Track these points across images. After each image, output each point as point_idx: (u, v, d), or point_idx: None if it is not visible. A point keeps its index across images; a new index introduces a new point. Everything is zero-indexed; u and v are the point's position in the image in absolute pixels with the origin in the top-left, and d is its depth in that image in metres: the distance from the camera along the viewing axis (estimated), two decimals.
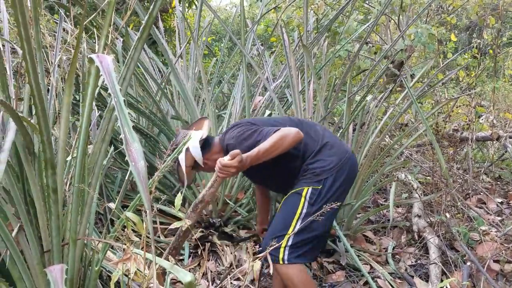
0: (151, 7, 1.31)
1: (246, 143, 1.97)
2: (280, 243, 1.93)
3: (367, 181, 3.13)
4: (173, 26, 5.93)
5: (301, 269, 1.97)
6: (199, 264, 2.79)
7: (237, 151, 1.83)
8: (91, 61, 1.07)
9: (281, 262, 1.95)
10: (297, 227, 1.95)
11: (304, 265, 2.01)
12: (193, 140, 2.08)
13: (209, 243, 2.97)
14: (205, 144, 2.15)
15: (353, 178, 2.13)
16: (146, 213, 0.92)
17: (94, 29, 2.59)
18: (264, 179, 2.30)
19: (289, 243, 1.95)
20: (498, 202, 3.51)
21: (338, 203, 1.98)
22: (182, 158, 2.03)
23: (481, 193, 3.59)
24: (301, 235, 1.95)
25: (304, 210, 1.97)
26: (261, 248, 2.03)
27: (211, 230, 3.05)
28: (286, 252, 1.95)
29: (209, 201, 2.04)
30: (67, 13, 2.82)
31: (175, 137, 2.24)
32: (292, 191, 2.04)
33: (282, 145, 1.88)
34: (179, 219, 1.69)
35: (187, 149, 2.06)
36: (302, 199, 1.98)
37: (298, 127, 2.01)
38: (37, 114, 1.19)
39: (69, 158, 1.49)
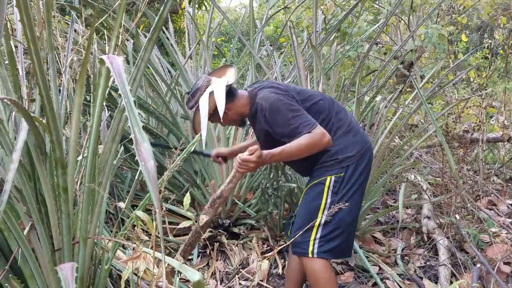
0: (161, 9, 1.32)
1: (278, 116, 1.87)
2: (309, 236, 1.90)
3: (376, 182, 3.12)
4: (183, 27, 5.96)
5: (327, 265, 1.94)
6: (207, 264, 2.81)
7: (255, 146, 1.82)
8: (101, 62, 1.09)
9: (310, 255, 1.91)
10: (324, 217, 1.91)
11: (330, 263, 1.98)
12: (218, 85, 1.95)
13: (218, 243, 2.99)
14: (229, 92, 2.00)
15: (370, 169, 2.09)
16: (155, 212, 0.93)
17: (105, 31, 2.62)
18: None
19: (318, 235, 1.91)
20: (509, 204, 3.47)
21: (360, 192, 1.99)
22: (204, 102, 1.90)
23: (492, 195, 3.56)
24: (328, 226, 1.91)
25: (329, 200, 1.93)
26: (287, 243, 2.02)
27: (220, 230, 3.07)
28: (316, 245, 1.91)
29: (227, 196, 2.01)
30: (78, 15, 2.85)
31: (195, 82, 2.10)
32: (315, 181, 1.99)
33: (309, 152, 1.85)
34: (188, 218, 1.70)
35: (211, 93, 1.93)
36: (326, 189, 1.94)
37: (330, 106, 2.00)
38: (46, 114, 1.20)
39: (79, 158, 1.51)
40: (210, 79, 2.03)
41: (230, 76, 2.09)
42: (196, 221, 1.68)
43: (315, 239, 1.91)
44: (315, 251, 1.91)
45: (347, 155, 1.95)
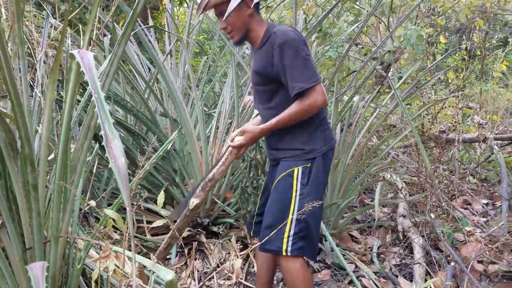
0: (136, 3, 1.31)
1: (288, 53, 1.78)
2: (282, 233, 1.88)
3: (354, 181, 3.15)
4: (163, 23, 5.91)
5: (303, 264, 1.92)
6: (186, 263, 2.79)
7: (247, 129, 1.85)
8: (72, 56, 1.07)
9: (284, 253, 1.88)
10: (296, 213, 1.88)
11: (305, 261, 1.98)
12: None
13: (196, 242, 2.98)
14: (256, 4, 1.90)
15: (329, 168, 2.06)
16: (135, 210, 0.92)
17: (82, 26, 2.58)
18: (262, 104, 2.05)
19: (292, 232, 1.89)
20: (484, 203, 3.55)
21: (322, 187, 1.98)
22: None
23: (467, 194, 3.63)
24: (301, 222, 1.88)
25: (299, 192, 1.91)
26: (259, 242, 1.96)
27: (199, 229, 3.05)
28: (290, 243, 1.88)
29: (219, 179, 2.01)
30: (54, 10, 2.80)
31: None
32: (283, 174, 1.96)
33: (301, 118, 1.84)
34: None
35: None
36: (294, 181, 1.92)
37: None
38: (13, 110, 1.18)
39: (51, 157, 1.48)
40: None
41: None
42: (168, 220, 1.66)
43: (289, 236, 1.88)
44: (289, 248, 1.88)
45: (314, 147, 1.94)
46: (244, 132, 1.90)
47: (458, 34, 10.15)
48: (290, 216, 1.89)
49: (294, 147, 1.96)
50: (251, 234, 2.24)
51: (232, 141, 1.95)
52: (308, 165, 1.93)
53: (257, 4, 1.91)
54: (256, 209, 2.24)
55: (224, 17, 1.81)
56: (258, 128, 1.89)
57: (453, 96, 4.22)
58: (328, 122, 2.05)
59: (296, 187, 1.92)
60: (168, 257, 2.81)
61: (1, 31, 1.05)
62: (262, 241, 1.85)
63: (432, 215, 2.92)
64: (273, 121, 1.87)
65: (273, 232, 1.79)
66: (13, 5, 1.22)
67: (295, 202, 1.91)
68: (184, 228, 2.12)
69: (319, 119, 1.96)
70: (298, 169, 1.93)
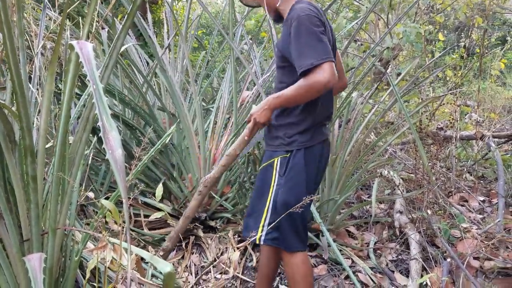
0: None
1: (300, 29, 1.73)
2: (258, 221, 1.89)
3: (351, 177, 3.16)
4: (162, 18, 5.90)
5: (305, 260, 1.92)
6: (183, 257, 2.80)
7: (253, 112, 1.86)
8: (71, 47, 1.07)
9: (258, 241, 1.90)
10: (271, 202, 1.89)
11: (307, 257, 1.96)
12: None
13: (193, 237, 2.98)
14: None
15: (324, 165, 2.02)
16: (131, 204, 0.92)
17: (80, 19, 2.57)
18: (276, 82, 2.02)
19: (266, 221, 1.90)
20: (480, 201, 3.56)
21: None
22: None
23: (464, 191, 3.64)
24: (276, 212, 1.88)
25: (276, 182, 1.90)
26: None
27: (196, 224, 3.06)
28: (264, 232, 1.89)
29: (238, 155, 2.04)
30: (52, 1, 2.79)
31: None
32: (265, 164, 1.97)
33: (308, 94, 1.74)
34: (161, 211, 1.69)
35: None
36: (274, 171, 1.92)
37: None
38: (16, 100, 1.18)
39: (48, 145, 1.48)
40: None
41: None
42: (170, 215, 1.67)
43: (263, 225, 1.90)
44: (262, 238, 1.89)
45: (297, 139, 1.89)
46: (249, 120, 1.93)
47: (457, 32, 10.16)
48: (266, 206, 1.91)
49: (277, 137, 1.94)
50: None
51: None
52: (287, 155, 1.90)
53: None
54: None
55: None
56: (268, 102, 1.84)
57: (451, 94, 4.23)
58: (326, 118, 1.99)
59: (274, 177, 1.92)
60: None
61: (10, 23, 1.05)
62: (244, 229, 1.87)
63: (429, 212, 2.94)
64: (279, 93, 1.81)
65: (251, 219, 1.80)
66: None
67: (272, 192, 1.91)
68: (193, 214, 2.14)
69: (316, 116, 1.92)
70: (278, 159, 1.92)
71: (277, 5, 1.92)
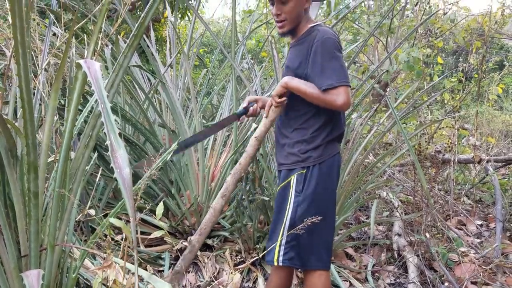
0: (143, 14, 1.32)
1: (324, 51, 1.79)
2: (275, 242, 1.87)
3: (350, 198, 3.16)
4: (164, 36, 5.96)
5: (326, 280, 1.90)
6: None
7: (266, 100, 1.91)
8: (78, 66, 1.08)
9: (275, 263, 1.87)
10: (288, 221, 1.87)
11: (329, 277, 1.94)
12: None
13: None
14: None
15: (333, 177, 2.00)
16: (129, 221, 0.92)
17: (85, 35, 2.60)
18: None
19: (283, 241, 1.87)
20: (478, 224, 3.56)
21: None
22: None
23: (461, 215, 3.64)
24: (292, 232, 1.84)
25: (293, 200, 1.89)
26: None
27: None
28: (281, 252, 1.86)
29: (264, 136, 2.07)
30: (57, 19, 2.82)
31: None
32: (282, 183, 1.96)
33: (318, 103, 1.83)
34: (161, 229, 1.68)
35: None
36: (291, 189, 1.91)
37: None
38: (24, 117, 1.19)
39: (50, 159, 1.48)
40: None
41: None
42: (167, 232, 1.66)
43: (280, 245, 1.87)
44: (280, 258, 1.86)
45: (311, 155, 1.90)
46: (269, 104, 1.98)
47: (455, 56, 10.29)
48: (282, 225, 1.88)
49: (292, 155, 1.95)
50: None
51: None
52: (304, 172, 1.90)
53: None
54: None
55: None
56: (292, 84, 1.88)
57: (449, 117, 4.26)
58: (337, 137, 2.00)
59: (291, 195, 1.90)
60: (161, 269, 2.79)
61: (25, 41, 1.06)
62: (266, 253, 1.86)
63: (427, 235, 2.93)
64: (298, 82, 1.85)
65: (271, 242, 1.79)
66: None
67: (288, 210, 1.89)
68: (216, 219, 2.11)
69: (327, 129, 1.93)
70: (294, 176, 1.92)
71: (301, 19, 1.93)
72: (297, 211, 1.87)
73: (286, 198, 1.92)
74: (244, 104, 2.15)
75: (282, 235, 1.88)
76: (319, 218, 1.75)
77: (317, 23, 1.93)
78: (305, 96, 1.85)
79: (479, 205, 4.15)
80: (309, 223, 1.75)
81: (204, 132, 2.35)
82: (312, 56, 1.81)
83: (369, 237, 3.35)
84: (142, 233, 3.02)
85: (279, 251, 1.88)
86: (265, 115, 2.00)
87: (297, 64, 1.89)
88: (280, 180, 2.01)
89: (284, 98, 1.94)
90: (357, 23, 4.80)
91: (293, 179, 1.92)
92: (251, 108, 2.15)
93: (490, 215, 3.80)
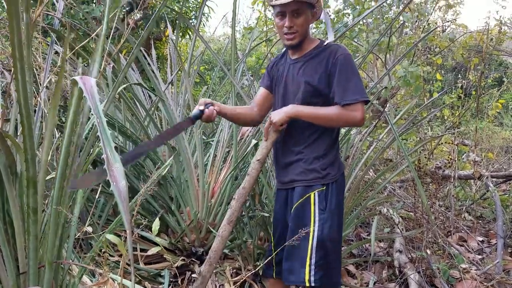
0: (143, 34, 1.35)
1: (348, 67, 1.83)
2: (304, 262, 1.84)
3: (350, 214, 3.15)
4: (165, 54, 6.02)
5: None
6: None
7: (270, 117, 1.87)
8: (74, 82, 1.10)
9: (307, 284, 1.83)
10: (315, 240, 1.84)
11: None
12: None
13: (190, 272, 2.94)
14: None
15: (343, 195, 2.04)
16: (126, 236, 0.92)
17: (85, 52, 2.63)
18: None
19: (313, 260, 1.84)
20: (479, 241, 3.54)
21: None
22: None
23: (463, 231, 3.62)
24: (322, 249, 1.84)
25: (317, 217, 1.87)
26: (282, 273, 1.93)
27: (193, 259, 3.02)
28: (312, 272, 1.83)
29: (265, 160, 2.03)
30: (60, 38, 2.86)
31: None
32: (300, 200, 1.92)
33: (337, 123, 1.86)
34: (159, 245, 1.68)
35: None
36: (312, 207, 1.89)
37: None
38: (23, 132, 1.20)
39: (50, 176, 1.49)
40: None
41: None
42: (166, 249, 1.66)
43: (310, 265, 1.83)
44: (312, 278, 1.83)
45: (330, 172, 1.92)
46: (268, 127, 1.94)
47: (454, 72, 10.35)
48: (310, 244, 1.85)
49: (311, 171, 1.93)
50: (274, 276, 2.11)
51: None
52: (324, 189, 1.90)
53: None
54: (272, 247, 2.11)
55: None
56: (287, 107, 1.88)
57: (449, 133, 4.27)
58: (339, 151, 2.07)
59: (315, 212, 1.88)
60: (160, 287, 2.77)
61: (23, 58, 1.08)
62: (286, 273, 1.85)
63: (428, 251, 2.91)
64: (308, 108, 1.86)
65: (296, 262, 1.79)
66: (23, 32, 1.26)
67: (314, 229, 1.86)
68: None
69: (335, 145, 1.99)
70: (314, 193, 1.90)
71: (307, 33, 1.96)
72: (323, 229, 1.85)
73: (307, 216, 1.89)
74: (200, 107, 1.93)
75: (311, 255, 1.85)
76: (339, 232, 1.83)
77: (322, 41, 1.97)
78: (318, 120, 1.86)
79: (480, 221, 4.13)
80: (335, 241, 1.81)
81: (154, 141, 2.01)
82: (337, 70, 1.83)
83: (370, 254, 3.33)
84: (141, 250, 3.00)
85: (309, 271, 1.84)
86: (264, 138, 1.98)
87: (317, 79, 1.89)
88: (296, 197, 1.96)
89: (285, 125, 1.93)
90: (356, 40, 4.85)
91: (315, 196, 1.90)
92: (206, 110, 1.93)
93: (491, 231, 3.78)
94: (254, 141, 3.31)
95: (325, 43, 1.95)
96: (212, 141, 3.64)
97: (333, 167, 1.94)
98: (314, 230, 1.86)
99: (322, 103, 1.89)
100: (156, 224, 1.42)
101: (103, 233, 2.44)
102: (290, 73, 1.99)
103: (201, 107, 1.92)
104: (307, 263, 1.84)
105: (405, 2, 4.77)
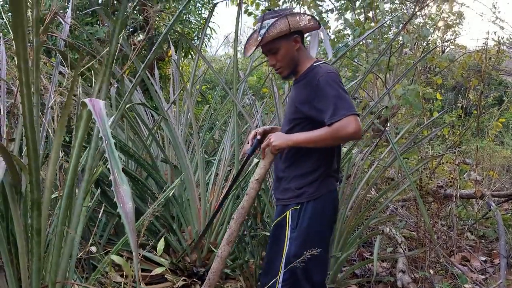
0: (149, 56, 1.38)
1: (329, 87, 1.82)
2: (274, 280, 1.86)
3: (353, 233, 3.13)
4: (168, 73, 6.08)
5: None
6: None
7: (270, 138, 1.88)
8: (84, 105, 1.12)
9: None
10: (284, 258, 1.87)
11: None
12: (298, 15, 1.93)
13: None
14: (301, 33, 1.97)
15: (328, 215, 2.00)
16: (130, 258, 0.93)
17: (89, 72, 2.66)
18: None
19: (281, 278, 1.86)
20: (482, 260, 3.51)
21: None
22: (280, 22, 1.85)
23: (465, 251, 3.60)
24: (289, 269, 1.85)
25: (289, 236, 1.90)
26: None
27: (194, 279, 3.00)
28: None
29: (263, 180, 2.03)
30: (65, 58, 2.90)
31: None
32: (278, 219, 1.97)
33: (332, 140, 1.83)
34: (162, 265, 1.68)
35: (292, 15, 1.87)
36: (286, 225, 1.92)
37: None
38: (28, 155, 1.21)
39: (53, 195, 1.50)
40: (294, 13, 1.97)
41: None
42: (167, 269, 1.65)
43: (278, 282, 1.86)
44: None
45: (306, 190, 1.92)
46: (273, 129, 1.98)
47: (454, 92, 10.40)
48: (281, 262, 1.88)
49: (287, 190, 1.97)
50: None
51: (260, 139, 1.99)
52: (298, 207, 1.92)
53: (303, 38, 2.01)
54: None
55: (281, 53, 1.91)
56: (288, 135, 1.91)
57: (450, 152, 4.28)
58: (334, 171, 2.02)
59: (287, 231, 1.91)
60: None
61: (30, 83, 1.10)
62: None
63: (431, 271, 2.89)
64: (303, 135, 1.87)
65: (271, 278, 1.79)
66: (32, 56, 1.28)
67: (285, 247, 1.90)
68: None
69: (324, 164, 1.96)
70: (289, 212, 1.93)
71: (297, 59, 1.98)
72: (291, 247, 1.88)
73: (282, 234, 1.94)
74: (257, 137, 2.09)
75: (281, 272, 1.88)
76: (312, 253, 1.76)
77: (318, 61, 1.98)
78: (315, 143, 1.87)
79: (482, 240, 4.10)
80: (306, 260, 1.75)
81: None
82: (318, 92, 1.85)
83: (373, 274, 3.31)
84: (142, 270, 2.98)
85: None
86: (262, 157, 2.00)
87: (302, 101, 1.92)
88: (276, 215, 2.03)
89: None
90: (356, 60, 4.90)
91: (288, 214, 1.93)
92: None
93: (494, 251, 3.76)
94: (256, 160, 3.32)
95: (316, 64, 1.95)
96: (214, 159, 3.65)
97: (311, 186, 1.93)
98: (285, 248, 1.90)
99: (310, 126, 1.90)
100: (161, 245, 1.42)
101: (105, 252, 2.44)
102: (291, 95, 2.06)
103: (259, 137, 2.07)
104: (278, 280, 1.88)
105: (404, 22, 4.85)
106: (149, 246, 2.61)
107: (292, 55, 1.94)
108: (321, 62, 1.97)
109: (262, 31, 1.86)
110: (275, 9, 1.99)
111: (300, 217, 1.91)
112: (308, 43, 2.31)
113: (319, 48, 3.73)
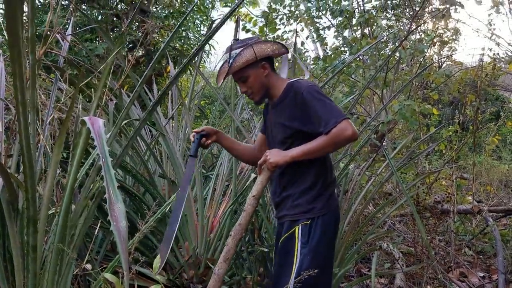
0: (146, 73, 1.40)
1: (314, 99, 1.85)
2: None
3: (350, 249, 3.13)
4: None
5: None
6: None
7: (267, 154, 1.88)
8: (83, 123, 1.13)
9: None
10: (295, 274, 1.84)
11: None
12: (264, 42, 1.98)
13: None
14: (271, 59, 2.02)
15: (332, 232, 2.03)
16: (123, 275, 0.93)
17: (88, 88, 2.68)
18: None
19: None
20: (480, 276, 3.50)
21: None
22: (242, 52, 1.90)
23: (463, 267, 3.58)
24: (299, 284, 1.82)
25: (299, 251, 1.89)
26: None
27: None
28: None
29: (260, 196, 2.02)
30: (63, 75, 2.92)
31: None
32: (286, 235, 1.97)
33: (332, 147, 1.86)
34: (158, 282, 1.67)
35: (257, 44, 1.93)
36: (296, 240, 1.91)
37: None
38: (24, 172, 1.22)
39: (50, 211, 1.50)
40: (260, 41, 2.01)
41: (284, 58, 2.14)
42: (164, 285, 1.64)
43: None
44: None
45: (315, 206, 1.94)
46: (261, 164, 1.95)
47: (452, 106, 10.46)
48: (291, 278, 1.86)
49: (297, 206, 1.97)
50: None
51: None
52: (308, 222, 1.92)
53: (272, 64, 2.04)
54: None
55: (250, 80, 1.95)
56: (284, 151, 1.91)
57: (447, 168, 4.29)
58: (332, 182, 2.05)
59: (297, 247, 1.90)
60: None
61: (26, 101, 1.11)
62: None
63: (429, 287, 2.88)
64: (300, 148, 1.87)
65: None
66: (28, 72, 1.30)
67: (295, 263, 1.88)
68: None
69: (326, 180, 1.99)
70: (299, 227, 1.93)
71: (268, 84, 2.01)
72: (303, 263, 1.87)
73: (292, 250, 1.92)
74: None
75: (289, 287, 1.85)
76: (320, 269, 1.78)
77: (294, 79, 2.02)
78: (314, 153, 1.88)
79: (480, 256, 4.09)
80: (313, 276, 1.75)
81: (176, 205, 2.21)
82: (306, 105, 1.87)
83: None
84: (139, 286, 2.96)
85: None
86: (258, 173, 2.00)
87: (290, 119, 1.95)
88: (284, 231, 2.01)
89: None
90: (353, 76, 4.95)
91: (298, 230, 1.93)
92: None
93: (492, 267, 3.74)
94: (253, 175, 3.33)
95: (291, 81, 1.99)
96: (212, 174, 3.66)
97: (319, 200, 1.95)
98: (296, 264, 1.88)
99: (302, 140, 1.91)
100: (156, 262, 1.42)
101: (101, 269, 2.42)
102: (272, 117, 2.08)
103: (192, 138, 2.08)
104: None
105: (401, 38, 4.90)
106: (141, 262, 2.59)
107: (261, 81, 1.98)
108: (294, 80, 2.00)
109: (231, 61, 1.91)
110: (242, 38, 2.03)
111: (311, 232, 1.91)
112: (278, 69, 2.34)
113: (315, 66, 3.77)
